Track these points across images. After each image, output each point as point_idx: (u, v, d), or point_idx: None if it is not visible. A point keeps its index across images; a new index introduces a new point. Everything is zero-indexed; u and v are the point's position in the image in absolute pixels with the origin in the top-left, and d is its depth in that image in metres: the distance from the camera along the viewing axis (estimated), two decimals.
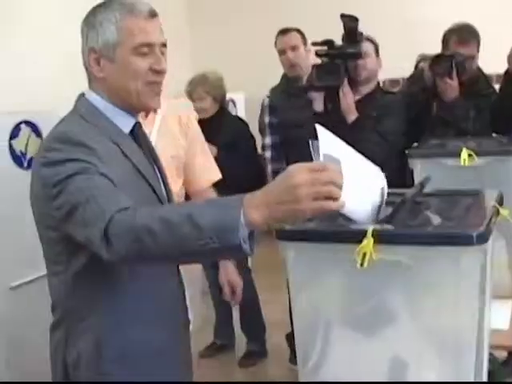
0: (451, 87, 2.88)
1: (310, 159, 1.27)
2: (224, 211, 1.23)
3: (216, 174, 2.76)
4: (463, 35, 2.95)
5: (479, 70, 3.09)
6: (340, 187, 1.18)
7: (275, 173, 3.61)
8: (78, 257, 1.52)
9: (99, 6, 1.59)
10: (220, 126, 3.79)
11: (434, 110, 2.99)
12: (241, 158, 3.69)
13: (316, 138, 1.27)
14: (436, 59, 2.90)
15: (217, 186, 3.43)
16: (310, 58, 3.43)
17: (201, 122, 3.87)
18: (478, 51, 2.99)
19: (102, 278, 1.52)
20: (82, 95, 1.64)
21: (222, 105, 3.89)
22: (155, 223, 1.27)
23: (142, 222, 1.28)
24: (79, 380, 1.57)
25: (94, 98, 1.61)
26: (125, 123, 1.63)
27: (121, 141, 1.58)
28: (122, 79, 1.56)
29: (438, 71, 2.89)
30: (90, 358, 1.55)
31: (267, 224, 1.22)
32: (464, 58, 2.90)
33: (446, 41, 2.99)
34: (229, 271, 2.45)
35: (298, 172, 1.18)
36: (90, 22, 1.58)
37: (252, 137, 3.90)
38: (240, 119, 4.14)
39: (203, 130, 3.74)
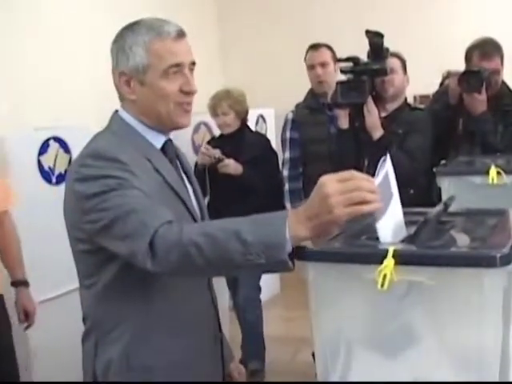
0: (479, 101, 2.85)
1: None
2: (270, 228, 1.26)
3: (10, 203, 2.83)
4: (486, 50, 2.92)
5: (504, 84, 3.05)
6: (370, 191, 1.21)
7: (291, 192, 3.60)
8: (107, 270, 1.55)
9: (127, 28, 1.61)
10: (242, 143, 3.78)
11: (460, 126, 2.95)
12: (264, 173, 3.68)
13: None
14: (464, 75, 2.87)
15: (241, 200, 3.46)
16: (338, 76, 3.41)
17: (223, 138, 3.89)
18: (502, 65, 2.95)
19: (131, 290, 1.55)
20: (116, 112, 1.68)
21: (244, 121, 3.87)
22: (202, 238, 1.30)
23: (188, 237, 1.31)
24: None
25: (127, 116, 1.64)
26: (156, 139, 1.65)
27: (152, 156, 1.61)
28: (152, 101, 1.59)
29: (466, 87, 2.85)
30: (118, 368, 1.57)
31: (311, 238, 1.26)
32: (489, 72, 2.87)
33: (469, 56, 2.96)
34: (24, 296, 2.71)
35: (328, 183, 1.21)
36: (120, 44, 1.60)
37: (274, 152, 3.88)
38: (261, 135, 4.12)
39: (226, 147, 3.75)
